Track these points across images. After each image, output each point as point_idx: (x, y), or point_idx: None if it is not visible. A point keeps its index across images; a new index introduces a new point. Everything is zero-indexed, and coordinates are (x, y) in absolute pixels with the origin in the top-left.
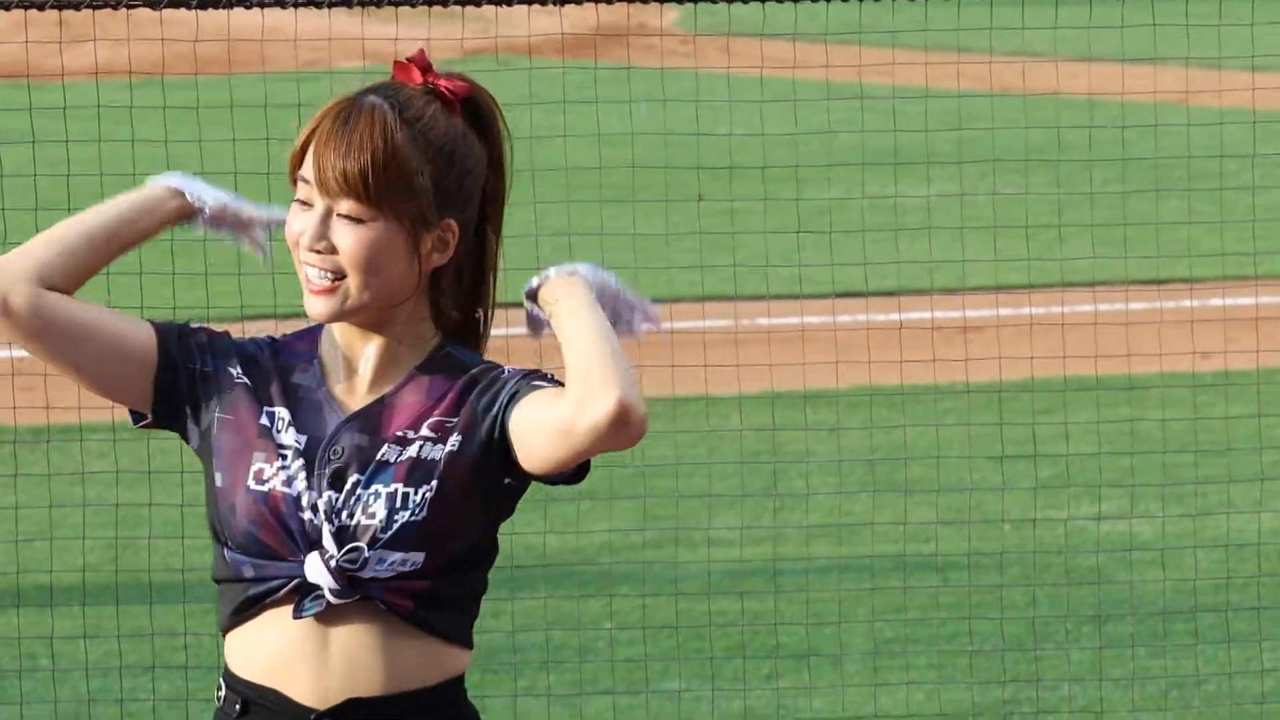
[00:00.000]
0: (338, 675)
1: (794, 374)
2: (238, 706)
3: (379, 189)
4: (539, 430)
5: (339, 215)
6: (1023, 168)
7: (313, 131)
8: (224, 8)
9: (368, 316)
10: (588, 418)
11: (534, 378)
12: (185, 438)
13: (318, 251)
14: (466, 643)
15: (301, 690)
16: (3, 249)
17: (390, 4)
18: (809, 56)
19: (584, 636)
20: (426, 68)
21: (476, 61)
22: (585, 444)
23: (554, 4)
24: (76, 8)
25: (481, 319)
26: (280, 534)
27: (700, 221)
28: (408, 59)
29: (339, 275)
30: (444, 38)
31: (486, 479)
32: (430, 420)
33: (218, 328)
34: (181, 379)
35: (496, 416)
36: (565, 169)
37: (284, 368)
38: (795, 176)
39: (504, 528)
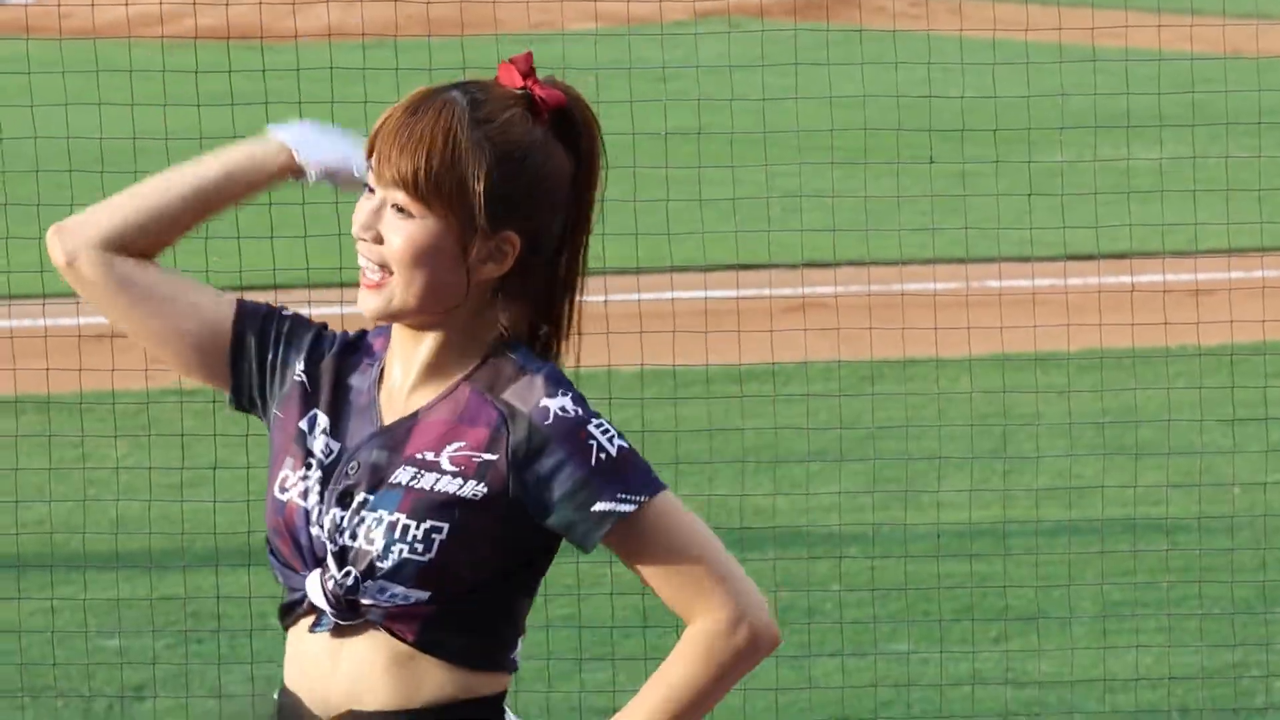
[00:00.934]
0: (343, 689)
1: (1025, 336)
2: (275, 706)
3: (429, 186)
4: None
5: (391, 208)
6: (1256, 130)
7: (386, 119)
8: None
9: (419, 320)
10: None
11: (601, 488)
12: (264, 420)
13: (365, 240)
14: (497, 667)
15: (313, 700)
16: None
17: None
18: (1041, 19)
19: (812, 598)
20: (528, 71)
21: (708, 23)
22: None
23: None
24: None
25: (554, 339)
26: (293, 547)
27: (932, 184)
28: (511, 60)
29: (386, 269)
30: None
31: (513, 538)
32: (455, 448)
33: (308, 314)
34: (252, 366)
35: (550, 513)
36: (797, 131)
37: (346, 366)
38: (1027, 139)
39: (732, 488)
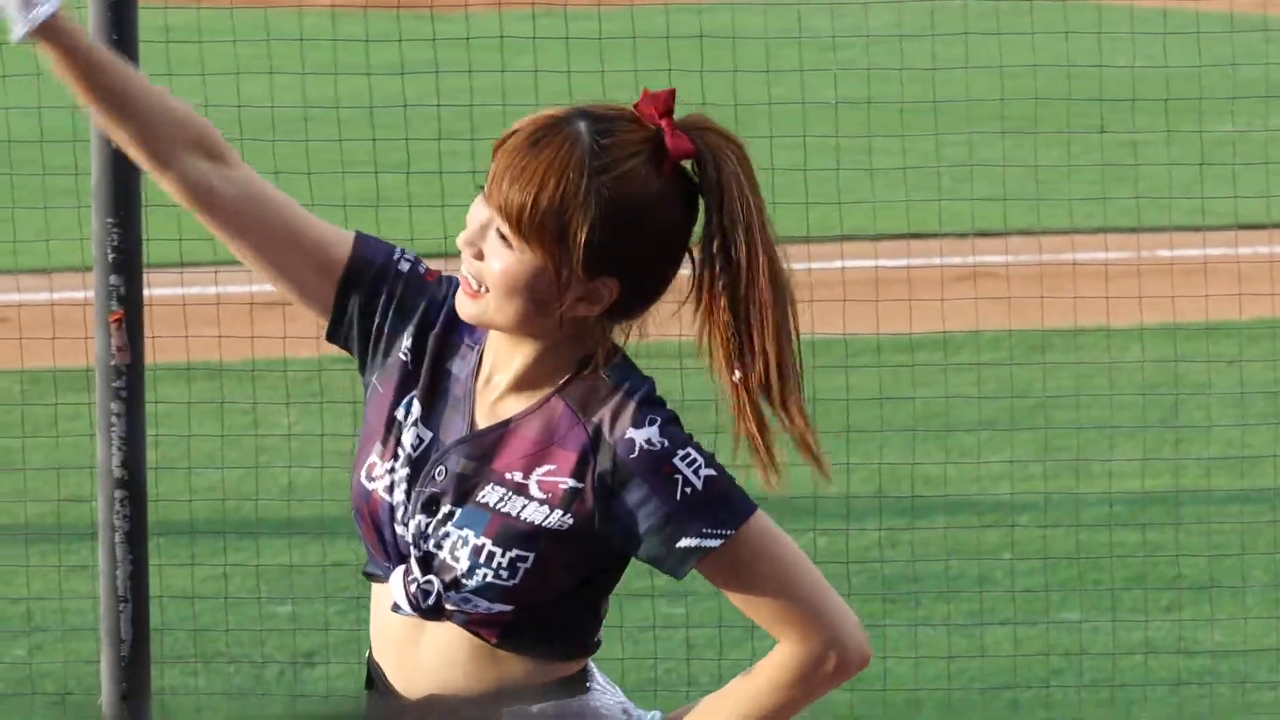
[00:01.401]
0: (425, 675)
1: (1196, 305)
2: (367, 675)
3: (532, 226)
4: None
5: (496, 230)
6: None
7: (510, 136)
8: None
9: (512, 334)
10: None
11: (685, 523)
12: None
13: (468, 256)
14: (574, 655)
15: (395, 677)
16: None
17: None
18: None
19: (983, 566)
20: (665, 111)
21: None
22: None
23: None
24: None
25: (744, 380)
26: (375, 535)
27: (1102, 153)
28: (654, 94)
29: (484, 286)
30: None
31: (598, 559)
32: (543, 472)
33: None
34: (352, 325)
35: (638, 545)
36: (967, 101)
37: (448, 347)
38: (1198, 109)
39: (903, 456)
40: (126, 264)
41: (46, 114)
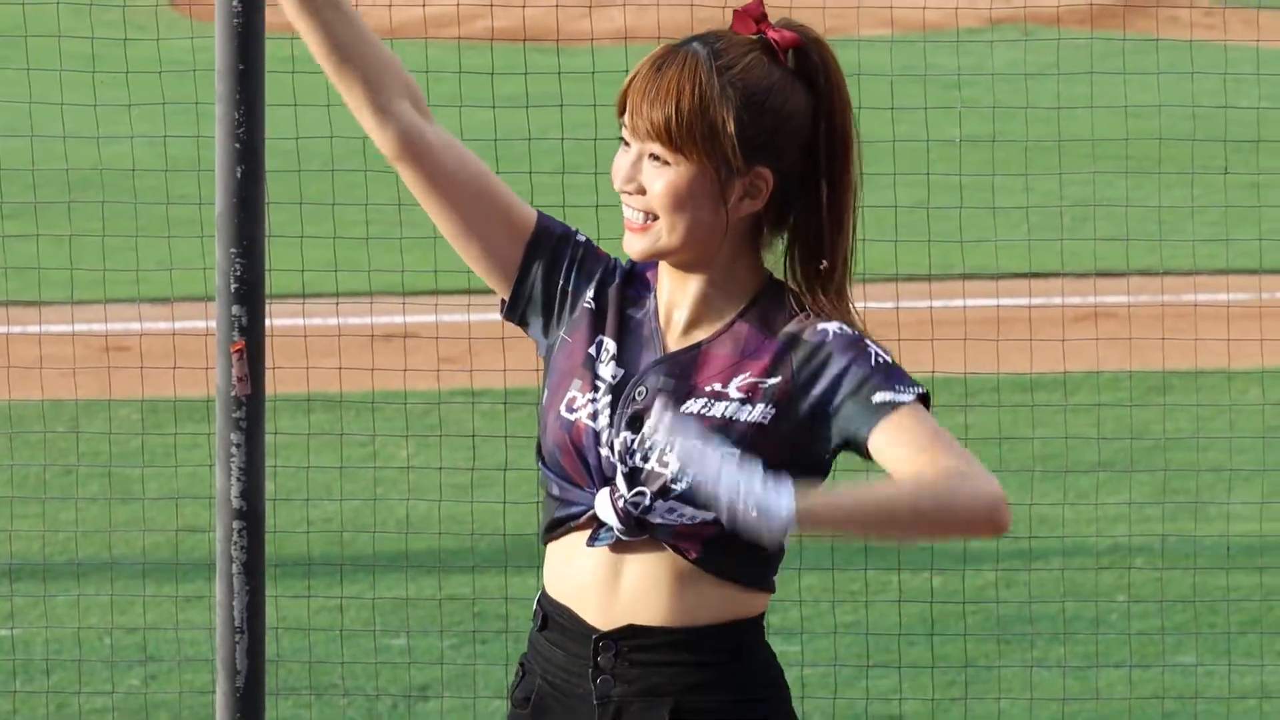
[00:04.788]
0: (623, 603)
1: None
2: (540, 619)
3: (682, 134)
4: (901, 465)
5: (649, 158)
6: None
7: (634, 76)
8: None
9: (683, 258)
10: (990, 530)
11: (881, 382)
12: (534, 339)
13: (628, 192)
14: (763, 586)
15: (591, 613)
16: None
17: None
18: None
19: (1099, 608)
20: (760, 17)
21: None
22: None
23: None
24: None
25: (834, 277)
26: (578, 463)
27: (1225, 194)
28: (745, 8)
29: (651, 216)
30: (969, 7)
31: (797, 455)
32: (741, 379)
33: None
34: (537, 288)
35: (832, 416)
36: (1091, 140)
37: (626, 299)
38: None
39: (1020, 496)
40: (249, 294)
41: (171, 143)
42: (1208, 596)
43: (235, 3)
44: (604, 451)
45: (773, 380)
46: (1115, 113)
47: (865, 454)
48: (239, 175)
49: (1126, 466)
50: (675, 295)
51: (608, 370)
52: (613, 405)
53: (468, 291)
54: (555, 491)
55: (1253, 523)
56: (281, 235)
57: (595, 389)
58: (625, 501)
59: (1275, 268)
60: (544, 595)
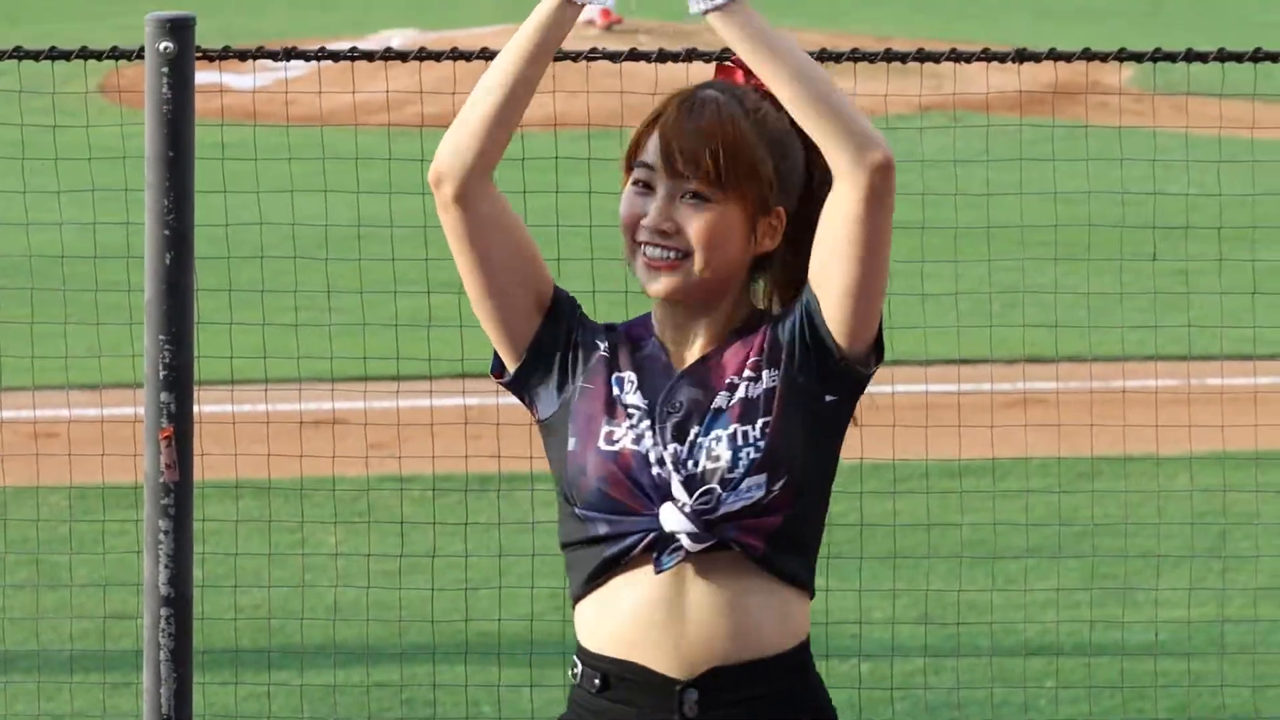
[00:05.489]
0: (694, 640)
1: (1246, 435)
2: (597, 681)
3: (728, 171)
4: (826, 236)
5: (685, 196)
6: None
7: (656, 118)
8: (683, 61)
9: (702, 295)
10: (869, 159)
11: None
12: (532, 404)
13: (663, 232)
14: (810, 587)
15: (664, 660)
16: None
17: (849, 59)
18: (1267, 117)
19: (1027, 694)
20: (749, 70)
21: (931, 117)
22: (867, 187)
23: (1012, 61)
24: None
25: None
26: (630, 489)
27: (1154, 280)
28: (730, 63)
29: (681, 253)
30: (898, 94)
31: (808, 397)
32: (749, 363)
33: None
34: (560, 340)
35: (799, 318)
36: (1020, 226)
37: (632, 340)
38: (1250, 237)
39: (949, 583)
40: (178, 381)
41: (100, 229)
42: (1136, 683)
43: (165, 90)
44: (655, 470)
45: (767, 351)
46: (1044, 199)
47: (823, 333)
48: (168, 262)
49: (1055, 552)
50: (678, 333)
51: (634, 398)
52: (652, 426)
53: (396, 378)
54: (604, 530)
55: (1180, 609)
56: (211, 322)
57: (630, 416)
58: (692, 506)
59: (1203, 354)
60: (590, 656)
